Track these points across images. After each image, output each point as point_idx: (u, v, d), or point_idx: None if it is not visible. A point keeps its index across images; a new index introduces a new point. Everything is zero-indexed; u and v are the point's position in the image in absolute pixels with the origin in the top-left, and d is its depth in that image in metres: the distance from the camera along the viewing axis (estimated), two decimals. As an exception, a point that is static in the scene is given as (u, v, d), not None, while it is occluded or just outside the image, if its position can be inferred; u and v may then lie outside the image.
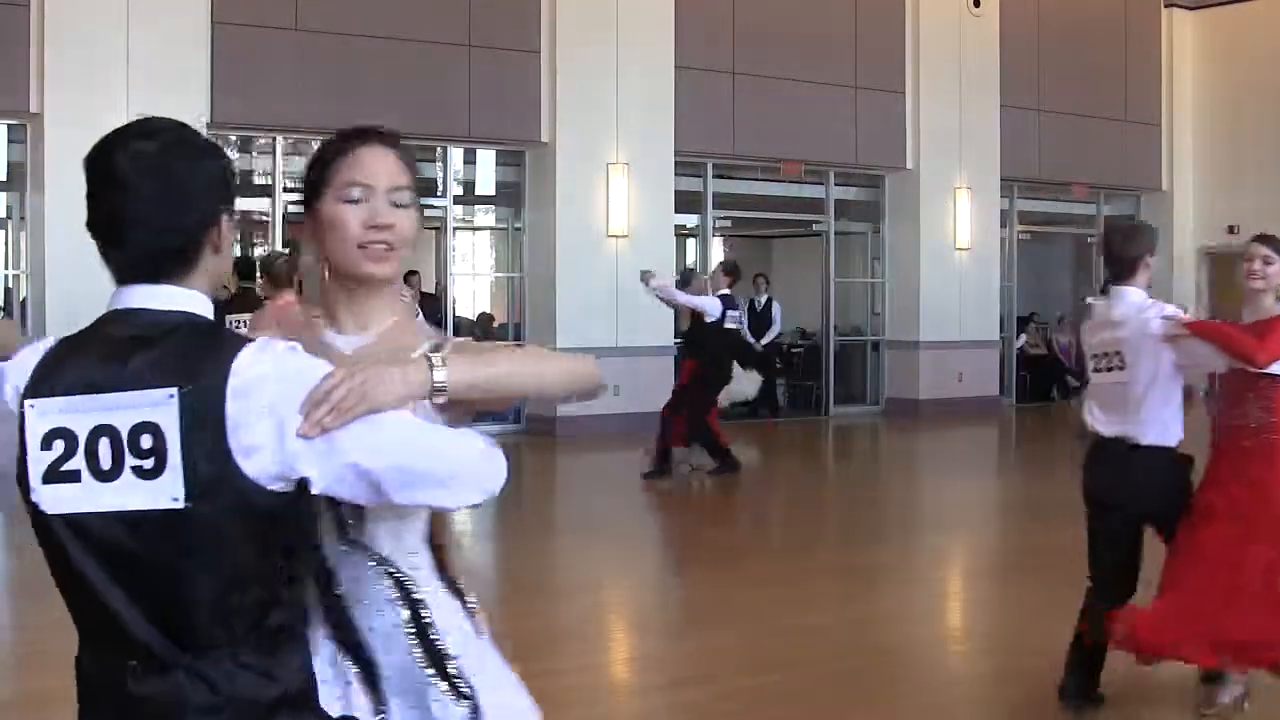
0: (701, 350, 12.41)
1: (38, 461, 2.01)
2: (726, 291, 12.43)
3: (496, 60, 15.04)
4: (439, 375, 2.13)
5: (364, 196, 2.34)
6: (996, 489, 13.34)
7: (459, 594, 2.41)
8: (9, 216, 13.63)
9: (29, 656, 6.51)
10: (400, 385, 2.05)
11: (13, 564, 9.04)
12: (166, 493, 1.94)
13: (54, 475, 2.00)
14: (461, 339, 2.49)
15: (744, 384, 16.17)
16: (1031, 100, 19.11)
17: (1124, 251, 5.10)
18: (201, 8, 13.48)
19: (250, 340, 2.04)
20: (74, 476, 1.98)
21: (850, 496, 12.70)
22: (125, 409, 1.98)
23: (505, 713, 2.59)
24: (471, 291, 18.16)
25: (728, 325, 12.45)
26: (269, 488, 1.96)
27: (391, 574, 2.28)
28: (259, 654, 1.99)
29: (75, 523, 1.99)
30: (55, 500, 2.00)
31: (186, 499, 1.93)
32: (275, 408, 1.96)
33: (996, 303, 19.07)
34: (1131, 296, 5.08)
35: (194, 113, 13.39)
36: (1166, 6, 20.93)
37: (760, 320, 17.71)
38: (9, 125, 13.33)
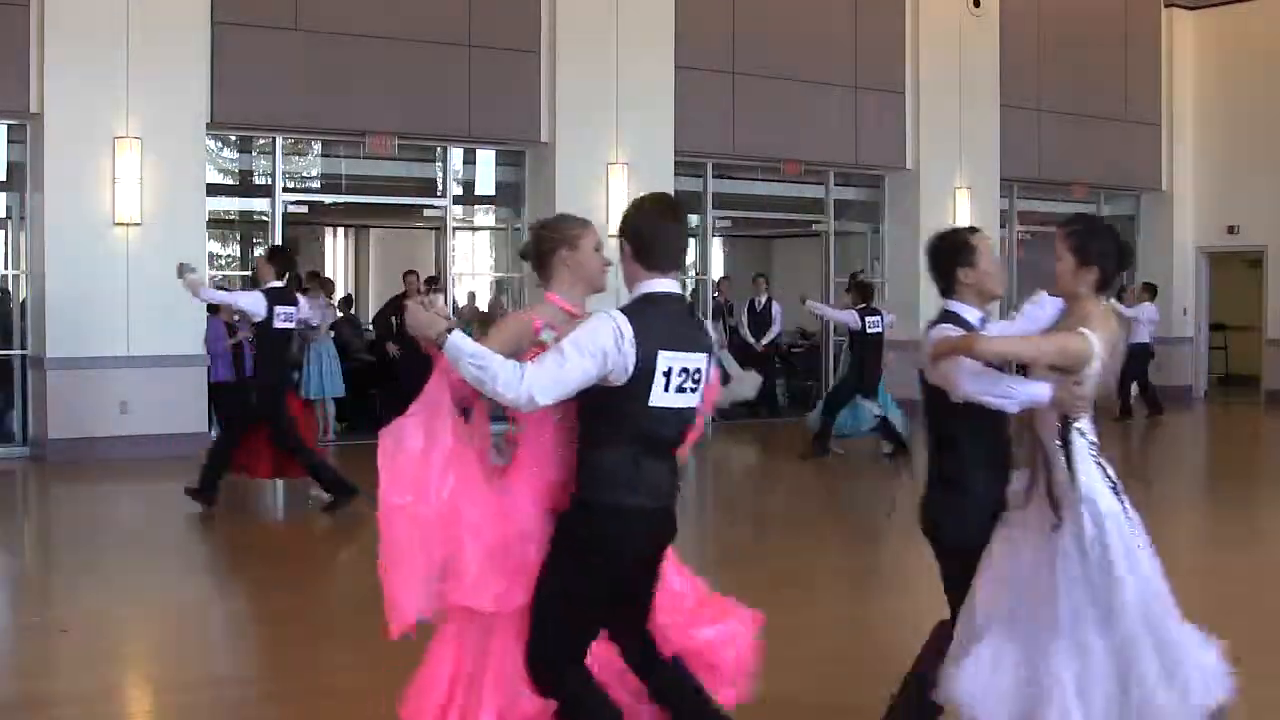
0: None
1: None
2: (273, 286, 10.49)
3: (496, 60, 15.04)
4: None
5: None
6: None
7: None
8: (9, 216, 13.63)
9: (29, 657, 6.51)
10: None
11: (13, 564, 9.03)
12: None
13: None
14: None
15: (744, 384, 16.21)
16: (1031, 100, 19.10)
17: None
18: (201, 8, 13.47)
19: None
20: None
21: (850, 496, 12.70)
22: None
23: None
24: (471, 291, 18.15)
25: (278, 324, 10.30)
26: None
27: None
28: None
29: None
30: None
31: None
32: None
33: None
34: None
35: (194, 113, 13.43)
36: (1166, 6, 20.93)
37: (760, 320, 17.71)
38: (9, 125, 13.34)
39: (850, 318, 13.82)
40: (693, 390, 4.02)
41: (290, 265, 10.68)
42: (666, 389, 3.94)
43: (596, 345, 3.84)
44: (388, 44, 14.44)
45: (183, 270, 10.26)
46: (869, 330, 13.59)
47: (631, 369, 3.87)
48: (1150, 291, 18.11)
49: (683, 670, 4.21)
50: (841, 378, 14.48)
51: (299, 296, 10.60)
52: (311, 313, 11.14)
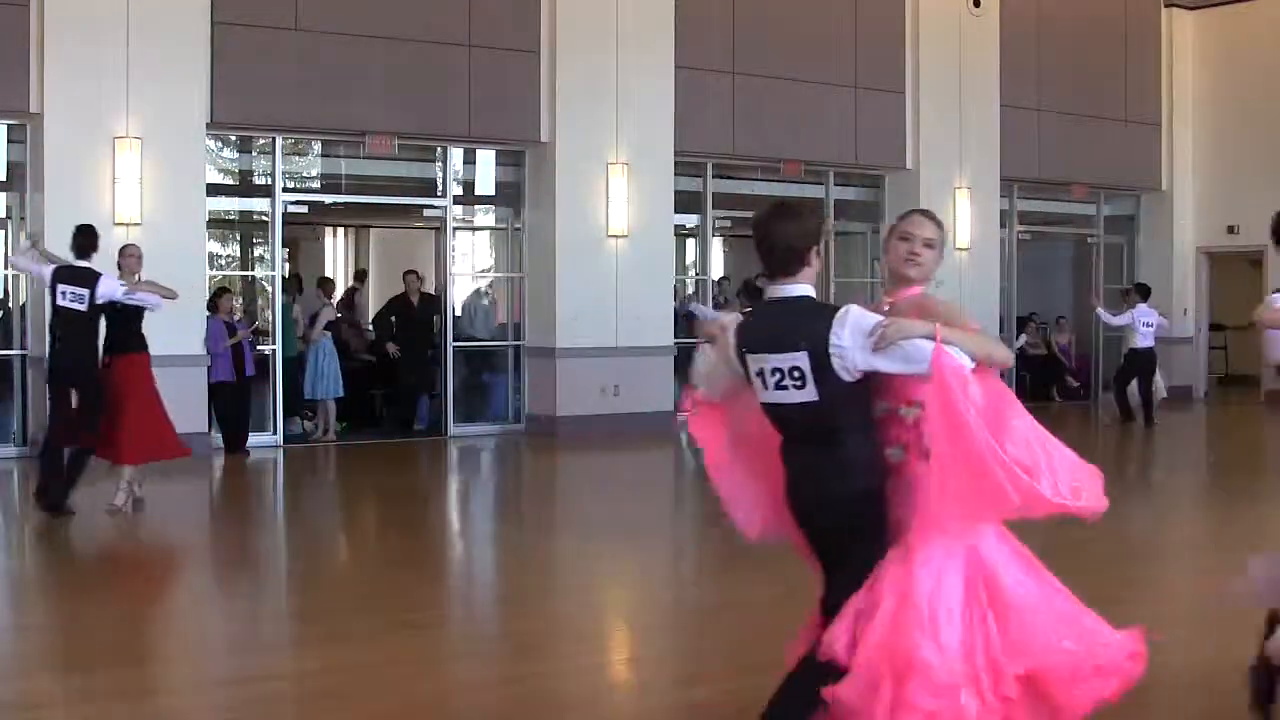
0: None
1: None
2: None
3: (496, 60, 15.04)
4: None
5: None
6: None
7: None
8: (9, 216, 13.62)
9: (30, 657, 6.51)
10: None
11: (14, 565, 9.03)
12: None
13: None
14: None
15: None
16: (1031, 100, 19.10)
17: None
18: (201, 8, 13.47)
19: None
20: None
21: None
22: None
23: None
24: (471, 291, 18.14)
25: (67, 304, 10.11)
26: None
27: None
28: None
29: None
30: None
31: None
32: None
33: (996, 303, 19.06)
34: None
35: (194, 113, 13.42)
36: (1166, 6, 20.93)
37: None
38: (9, 125, 13.33)
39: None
40: (797, 386, 4.11)
41: (89, 244, 10.13)
42: (765, 387, 4.17)
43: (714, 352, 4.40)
44: (388, 44, 14.44)
45: (28, 243, 10.28)
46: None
47: (740, 371, 4.26)
48: (1142, 293, 17.45)
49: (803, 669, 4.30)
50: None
51: (108, 278, 10.03)
52: (141, 297, 10.34)
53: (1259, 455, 15.92)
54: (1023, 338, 19.91)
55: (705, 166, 16.99)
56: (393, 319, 15.98)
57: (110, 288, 10.03)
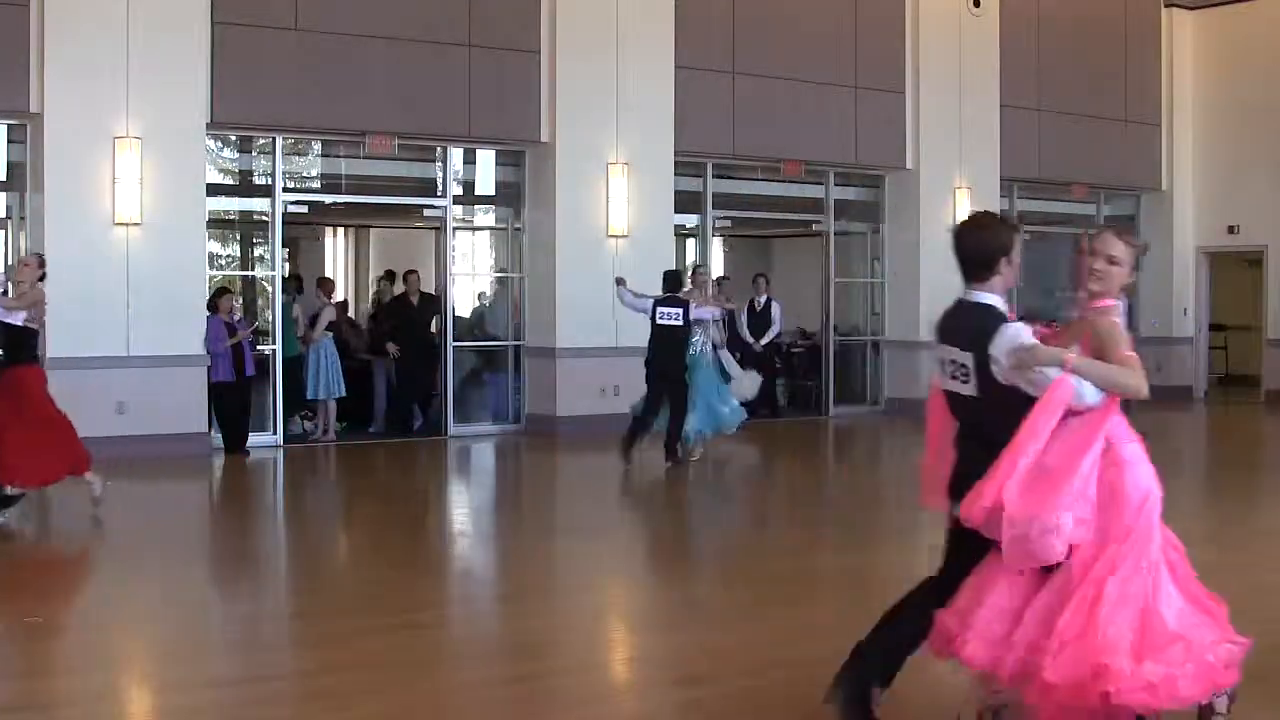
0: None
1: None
2: None
3: (496, 60, 15.04)
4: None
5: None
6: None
7: None
8: (9, 216, 13.62)
9: (30, 657, 6.50)
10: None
11: (13, 564, 9.03)
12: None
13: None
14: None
15: (744, 384, 16.19)
16: (1031, 100, 19.10)
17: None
18: (201, 8, 13.47)
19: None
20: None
21: (850, 496, 12.70)
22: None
23: None
24: (472, 291, 18.14)
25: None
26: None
27: None
28: None
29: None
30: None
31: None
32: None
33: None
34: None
35: (194, 113, 13.42)
36: (1166, 6, 20.92)
37: (760, 320, 17.70)
38: (9, 125, 13.33)
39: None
40: (963, 380, 4.62)
41: None
42: (943, 375, 4.73)
43: None
44: (388, 44, 14.44)
45: None
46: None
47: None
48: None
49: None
50: None
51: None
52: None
53: (1259, 455, 15.93)
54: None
55: (705, 166, 16.99)
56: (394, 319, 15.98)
57: None
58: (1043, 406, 4.34)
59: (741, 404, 16.25)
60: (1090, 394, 4.36)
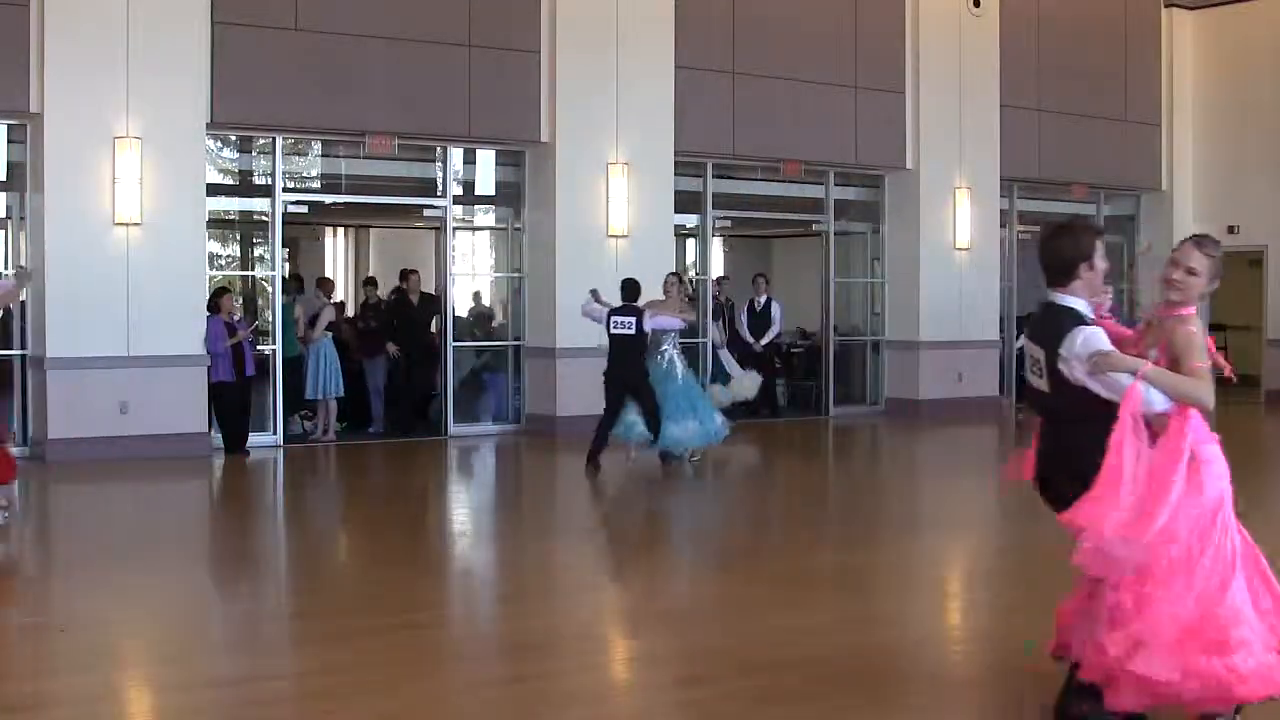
0: None
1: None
2: None
3: (496, 60, 15.04)
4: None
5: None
6: (996, 489, 13.33)
7: None
8: (9, 216, 13.62)
9: (29, 657, 6.51)
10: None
11: (13, 564, 9.03)
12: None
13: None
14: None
15: (744, 384, 16.20)
16: (1031, 100, 19.10)
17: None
18: (201, 8, 13.48)
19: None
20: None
21: (850, 496, 12.70)
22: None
23: None
24: (471, 291, 18.15)
25: None
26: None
27: None
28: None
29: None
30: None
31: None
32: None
33: (996, 303, 19.07)
34: None
35: (194, 113, 13.42)
36: (1166, 6, 20.93)
37: (760, 320, 17.71)
38: (9, 125, 13.33)
39: None
40: (1039, 376, 4.98)
41: None
42: (1029, 369, 5.07)
43: None
44: (388, 44, 14.44)
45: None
46: None
47: None
48: None
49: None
50: None
51: None
52: None
53: (1259, 455, 15.94)
54: (1022, 338, 19.93)
55: (705, 166, 17.00)
56: (393, 320, 15.97)
57: None
58: (1122, 426, 4.64)
59: (742, 404, 16.25)
60: (1158, 401, 4.67)
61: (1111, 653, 4.64)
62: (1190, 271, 4.88)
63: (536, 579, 8.44)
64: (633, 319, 12.57)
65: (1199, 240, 5.00)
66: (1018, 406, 17.32)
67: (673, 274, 13.17)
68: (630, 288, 12.80)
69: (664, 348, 12.83)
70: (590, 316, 13.15)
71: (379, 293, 16.63)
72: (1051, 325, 4.87)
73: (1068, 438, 4.91)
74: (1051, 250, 4.96)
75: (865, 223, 18.83)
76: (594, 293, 13.20)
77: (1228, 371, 5.09)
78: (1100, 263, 4.93)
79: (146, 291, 13.09)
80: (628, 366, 12.56)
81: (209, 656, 6.52)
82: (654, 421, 12.55)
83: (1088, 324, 4.82)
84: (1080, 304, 4.91)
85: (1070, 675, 5.03)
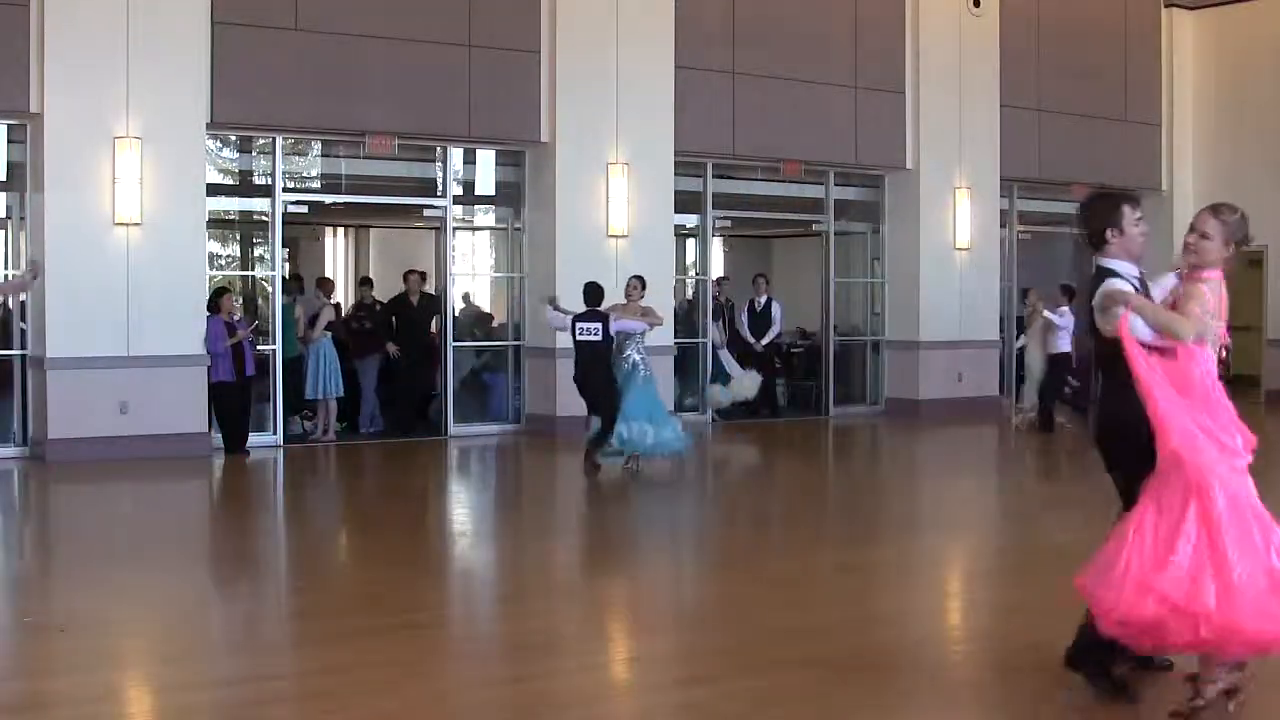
0: None
1: None
2: None
3: (496, 60, 15.04)
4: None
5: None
6: (996, 489, 13.35)
7: None
8: (9, 216, 13.62)
9: (30, 657, 6.51)
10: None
11: (13, 564, 9.04)
12: None
13: None
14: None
15: (744, 384, 16.20)
16: (1031, 100, 19.10)
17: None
18: (201, 8, 13.47)
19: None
20: None
21: (850, 496, 12.70)
22: None
23: None
24: (471, 291, 18.14)
25: None
26: None
27: None
28: None
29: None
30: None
31: None
32: None
33: (996, 303, 19.07)
34: None
35: (194, 113, 13.42)
36: (1166, 6, 20.93)
37: (760, 320, 17.71)
38: (9, 125, 13.33)
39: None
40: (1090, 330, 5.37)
41: None
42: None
43: None
44: (388, 44, 14.44)
45: None
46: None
47: None
48: (1069, 294, 16.22)
49: None
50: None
51: None
52: None
53: (1258, 455, 15.90)
54: (1022, 338, 19.90)
55: (705, 166, 16.99)
56: (393, 319, 15.97)
57: None
58: (1126, 347, 4.96)
59: (742, 403, 16.25)
60: (1141, 329, 4.95)
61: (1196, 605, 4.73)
62: (1204, 235, 5.18)
63: (536, 579, 8.44)
64: (598, 324, 12.43)
65: (1215, 207, 5.34)
66: (1018, 407, 17.27)
67: (635, 277, 13.05)
68: (593, 292, 12.62)
69: (627, 352, 12.66)
70: (555, 325, 13.12)
71: (374, 293, 16.62)
72: (1092, 285, 5.25)
73: (1106, 384, 5.26)
74: (1084, 218, 5.36)
75: (865, 223, 18.82)
76: (551, 300, 13.17)
77: (1225, 340, 5.21)
78: (1132, 228, 5.24)
79: (146, 291, 13.09)
80: (594, 371, 12.46)
81: (209, 657, 6.52)
82: (609, 426, 12.44)
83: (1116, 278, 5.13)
84: (1118, 264, 5.21)
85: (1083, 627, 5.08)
